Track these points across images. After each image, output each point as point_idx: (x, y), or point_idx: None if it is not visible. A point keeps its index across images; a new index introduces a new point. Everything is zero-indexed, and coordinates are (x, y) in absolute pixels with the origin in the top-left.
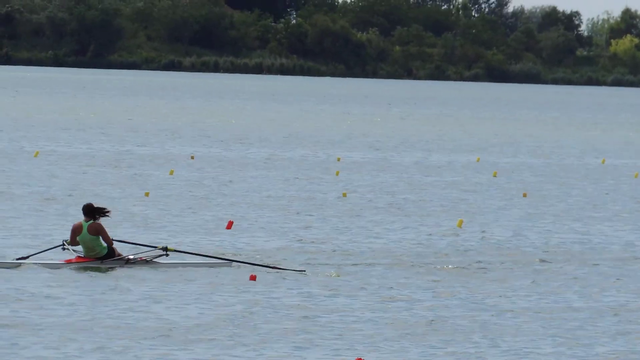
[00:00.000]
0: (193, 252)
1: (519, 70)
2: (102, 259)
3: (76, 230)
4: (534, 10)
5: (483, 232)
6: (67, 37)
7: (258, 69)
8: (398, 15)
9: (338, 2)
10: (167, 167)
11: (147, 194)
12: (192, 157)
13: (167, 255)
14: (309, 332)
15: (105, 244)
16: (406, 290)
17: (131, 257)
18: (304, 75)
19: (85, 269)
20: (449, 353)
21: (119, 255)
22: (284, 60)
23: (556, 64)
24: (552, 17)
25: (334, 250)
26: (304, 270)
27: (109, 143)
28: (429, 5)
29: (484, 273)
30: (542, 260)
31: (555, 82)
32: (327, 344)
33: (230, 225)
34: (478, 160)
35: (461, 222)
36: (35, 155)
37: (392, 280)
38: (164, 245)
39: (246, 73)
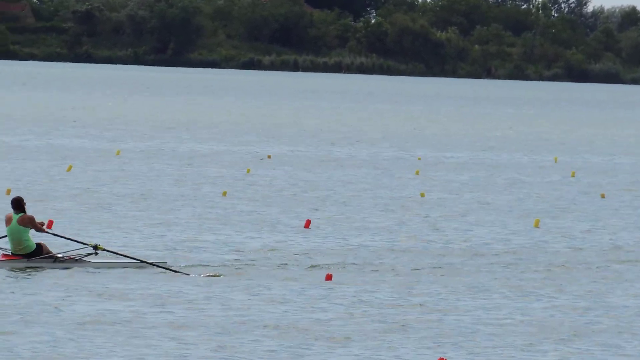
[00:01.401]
0: (121, 252)
1: (598, 70)
2: (30, 256)
3: (6, 222)
4: (613, 10)
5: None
6: (147, 35)
7: (337, 68)
8: (477, 14)
9: (418, 1)
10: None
11: (224, 193)
12: (269, 157)
13: (96, 254)
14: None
15: (32, 240)
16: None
17: (60, 255)
18: (383, 74)
19: (11, 268)
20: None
21: (48, 252)
22: (363, 59)
23: (636, 63)
24: (631, 16)
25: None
26: (220, 275)
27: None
28: (508, 5)
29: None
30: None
31: (635, 81)
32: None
33: (307, 224)
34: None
35: (538, 221)
36: (117, 153)
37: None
38: (96, 243)
39: (325, 72)
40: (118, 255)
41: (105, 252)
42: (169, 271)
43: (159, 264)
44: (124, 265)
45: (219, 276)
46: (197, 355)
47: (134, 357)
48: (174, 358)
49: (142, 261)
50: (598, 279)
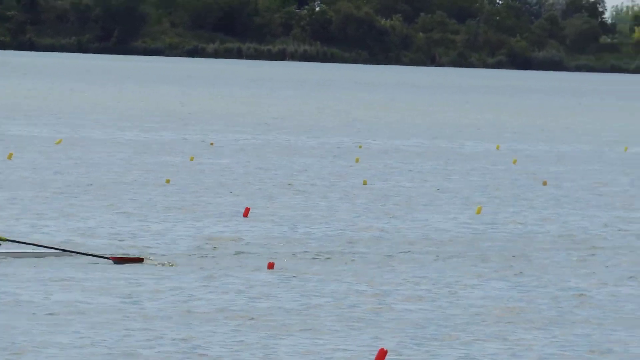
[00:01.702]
0: (27, 241)
1: (542, 57)
2: None
3: None
4: None
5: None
6: (91, 24)
7: (281, 56)
8: (422, 2)
9: None
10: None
11: (167, 181)
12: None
13: None
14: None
15: None
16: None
17: None
18: (326, 62)
19: None
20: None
21: None
22: (307, 47)
23: (579, 51)
24: (576, 4)
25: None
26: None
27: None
28: None
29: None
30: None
31: (579, 69)
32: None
33: (246, 212)
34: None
35: (480, 208)
36: (58, 142)
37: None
38: None
39: (269, 60)
40: (27, 245)
41: (8, 242)
42: (90, 256)
43: (78, 251)
44: (35, 255)
45: (141, 262)
46: (133, 345)
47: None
48: (109, 349)
49: (56, 249)
50: (548, 266)
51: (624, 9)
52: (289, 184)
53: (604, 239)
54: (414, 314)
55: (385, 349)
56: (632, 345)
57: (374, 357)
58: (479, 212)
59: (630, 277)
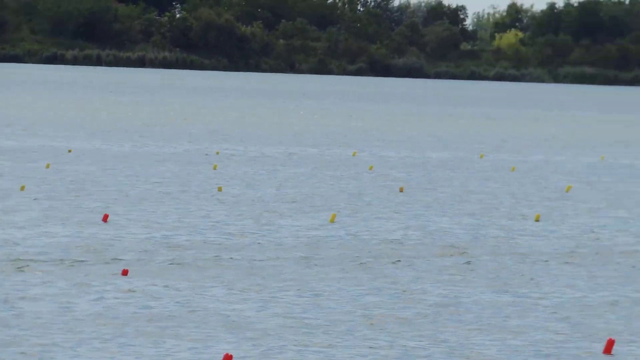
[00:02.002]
0: None
1: (402, 64)
2: None
3: None
4: (419, 4)
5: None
6: None
7: (140, 63)
8: (283, 8)
9: None
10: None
11: (22, 188)
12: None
13: None
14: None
15: None
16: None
17: None
18: (186, 68)
19: None
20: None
21: None
22: (166, 54)
23: (440, 58)
24: (437, 11)
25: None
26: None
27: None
28: (314, 0)
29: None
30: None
31: (439, 76)
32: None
33: (105, 218)
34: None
35: (334, 216)
36: None
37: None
38: None
39: (128, 66)
40: None
41: None
42: None
43: None
44: None
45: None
46: None
47: None
48: None
49: None
50: (405, 270)
51: (485, 15)
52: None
53: (464, 244)
54: (261, 319)
55: (230, 355)
56: (488, 350)
57: None
58: (332, 221)
59: (490, 284)
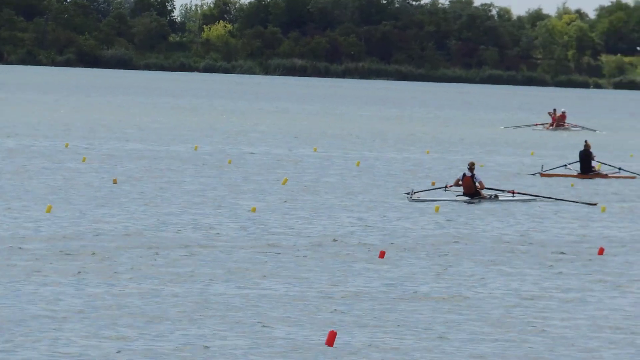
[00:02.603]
0: None
1: (110, 55)
2: None
3: None
4: None
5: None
6: None
7: None
8: None
9: None
10: None
11: None
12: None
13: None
14: None
15: None
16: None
17: None
18: None
19: None
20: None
21: None
22: None
23: (149, 49)
24: (144, 2)
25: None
26: None
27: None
28: None
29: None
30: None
31: (148, 67)
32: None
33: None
34: (67, 146)
35: (50, 207)
36: None
37: None
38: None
39: None
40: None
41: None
42: None
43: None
44: None
45: None
46: None
47: None
48: None
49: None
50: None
51: (193, 7)
52: None
53: (162, 236)
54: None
55: None
56: (229, 340)
57: None
58: (48, 211)
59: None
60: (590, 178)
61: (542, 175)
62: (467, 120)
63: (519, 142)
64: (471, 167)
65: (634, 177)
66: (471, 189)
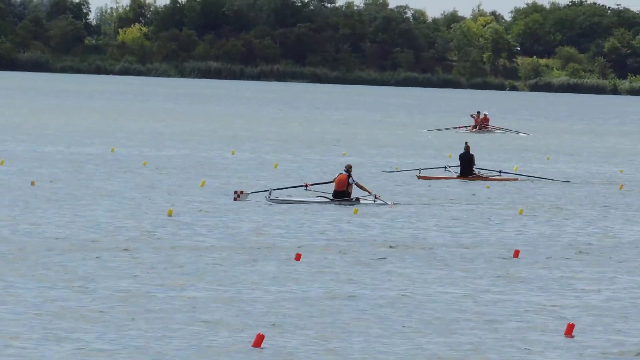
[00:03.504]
0: None
1: (27, 58)
2: None
3: None
4: None
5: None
6: None
7: None
8: None
9: None
10: None
11: None
12: None
13: None
14: None
15: None
16: None
17: None
18: None
19: None
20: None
21: None
22: None
23: (65, 52)
24: (60, 5)
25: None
26: None
27: None
28: None
29: None
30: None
31: (64, 70)
32: None
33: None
34: None
35: None
36: None
37: None
38: None
39: None
40: None
41: None
42: None
43: None
44: None
45: None
46: None
47: None
48: None
49: None
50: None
51: (109, 10)
52: None
53: (74, 238)
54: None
55: None
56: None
57: None
58: None
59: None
60: (471, 180)
61: (419, 177)
62: (389, 123)
63: (439, 145)
64: (348, 169)
65: (515, 180)
66: (342, 187)
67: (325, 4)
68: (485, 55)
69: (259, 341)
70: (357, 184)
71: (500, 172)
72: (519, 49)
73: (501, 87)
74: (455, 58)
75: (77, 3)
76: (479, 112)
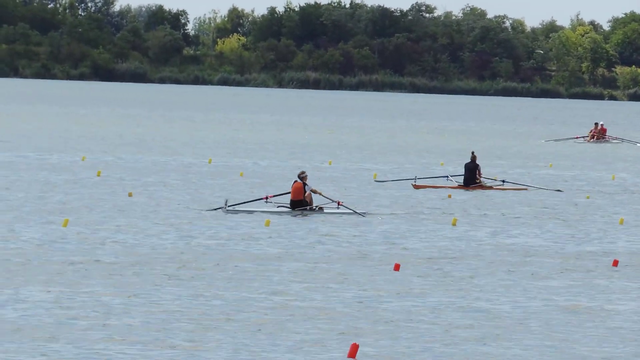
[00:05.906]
0: None
1: (125, 69)
2: None
3: None
4: (139, 9)
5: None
6: None
7: None
8: (4, 13)
9: None
10: None
11: None
12: None
13: None
14: None
15: None
16: None
17: None
18: None
19: None
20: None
21: None
22: None
23: (163, 63)
24: (158, 16)
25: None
26: None
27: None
28: (35, 4)
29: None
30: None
31: (162, 81)
32: None
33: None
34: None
35: (67, 221)
36: None
37: None
38: None
39: None
40: None
41: None
42: None
43: None
44: None
45: None
46: None
47: None
48: None
49: None
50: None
51: (207, 20)
52: None
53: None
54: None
55: None
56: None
57: None
58: (65, 225)
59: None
60: (471, 190)
61: (415, 187)
62: (504, 132)
63: (562, 155)
64: (301, 175)
65: (526, 189)
66: (299, 196)
67: (424, 13)
68: (584, 65)
69: (353, 351)
70: (313, 190)
71: (503, 181)
72: (617, 58)
73: (600, 97)
74: (554, 68)
75: (175, 13)
76: (596, 124)
